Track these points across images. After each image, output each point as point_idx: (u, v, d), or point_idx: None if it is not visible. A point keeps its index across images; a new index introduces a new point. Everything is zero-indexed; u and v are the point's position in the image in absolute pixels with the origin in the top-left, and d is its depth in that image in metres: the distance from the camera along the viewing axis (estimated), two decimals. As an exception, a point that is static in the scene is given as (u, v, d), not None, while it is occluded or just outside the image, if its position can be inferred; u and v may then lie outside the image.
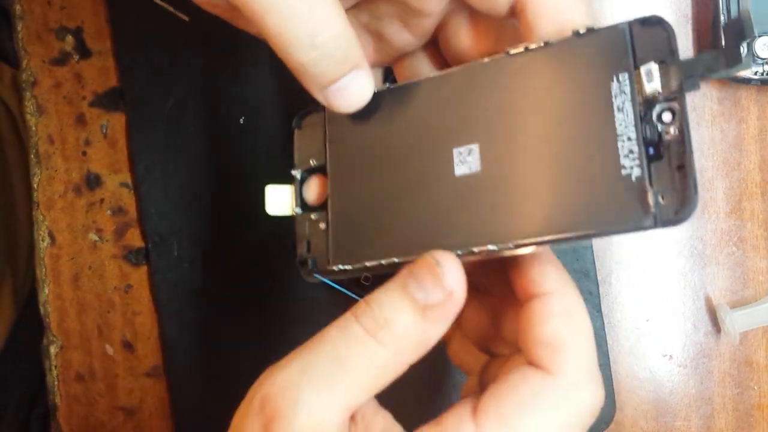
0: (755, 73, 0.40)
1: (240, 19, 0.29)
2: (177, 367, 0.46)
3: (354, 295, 0.43)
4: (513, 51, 0.27)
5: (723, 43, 0.25)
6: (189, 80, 0.44)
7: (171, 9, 0.44)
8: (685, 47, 0.43)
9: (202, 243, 0.45)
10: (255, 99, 0.44)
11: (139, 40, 0.45)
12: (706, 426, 0.44)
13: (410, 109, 0.30)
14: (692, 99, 0.43)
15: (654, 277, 0.44)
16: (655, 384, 0.44)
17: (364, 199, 0.31)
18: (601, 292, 0.43)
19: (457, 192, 0.28)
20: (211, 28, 0.44)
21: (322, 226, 0.31)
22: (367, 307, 0.26)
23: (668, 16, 0.43)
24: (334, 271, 0.31)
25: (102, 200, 0.46)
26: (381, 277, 0.44)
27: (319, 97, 0.28)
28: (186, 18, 0.44)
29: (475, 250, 0.27)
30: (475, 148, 0.28)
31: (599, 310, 0.43)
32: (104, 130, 0.46)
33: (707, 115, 0.43)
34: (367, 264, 0.30)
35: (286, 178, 0.32)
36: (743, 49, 0.40)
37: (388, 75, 0.38)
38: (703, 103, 0.43)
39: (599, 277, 0.43)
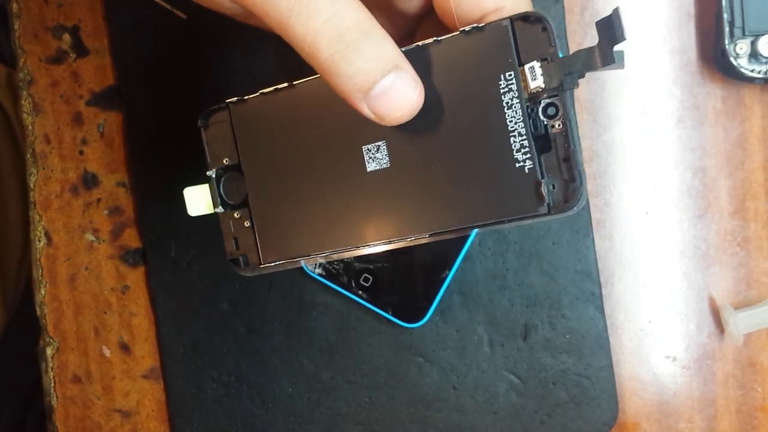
0: (759, 72, 0.40)
1: (253, 18, 0.28)
2: (174, 368, 0.45)
3: (354, 296, 0.43)
4: (405, 49, 0.28)
5: (600, 40, 0.26)
6: (186, 79, 0.44)
7: (168, 7, 0.44)
8: (688, 45, 0.42)
9: (200, 243, 0.44)
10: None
11: (137, 38, 0.44)
12: (709, 428, 0.43)
13: (318, 106, 0.30)
14: (695, 98, 0.42)
15: (657, 278, 0.43)
16: (658, 386, 0.43)
17: (283, 195, 0.32)
18: (603, 293, 0.43)
19: (371, 187, 0.30)
20: (208, 27, 0.43)
21: (247, 224, 0.33)
22: None
23: (671, 14, 0.42)
24: (265, 267, 0.32)
25: (99, 200, 0.46)
26: (381, 277, 0.44)
27: (363, 108, 0.26)
28: (183, 16, 0.44)
29: (393, 241, 0.30)
30: (382, 145, 0.29)
31: (602, 312, 0.42)
32: (101, 129, 0.45)
33: (710, 113, 0.43)
34: (297, 258, 0.32)
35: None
36: (746, 47, 0.40)
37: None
38: (707, 102, 0.42)
39: (602, 279, 0.43)
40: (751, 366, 0.43)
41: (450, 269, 0.42)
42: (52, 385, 0.46)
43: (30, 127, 0.46)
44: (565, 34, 0.42)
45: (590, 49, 0.26)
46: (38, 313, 0.46)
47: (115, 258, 0.46)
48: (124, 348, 0.46)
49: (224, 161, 0.33)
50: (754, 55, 0.40)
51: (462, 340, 0.43)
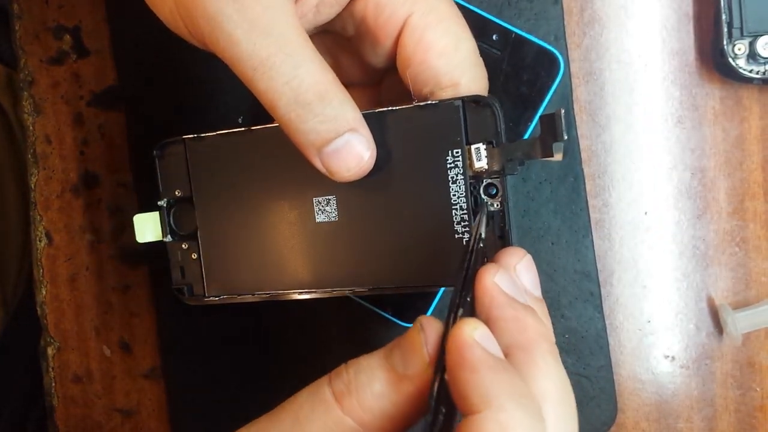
0: (757, 73, 0.40)
1: None
2: (175, 368, 0.45)
3: (354, 297, 0.43)
4: (363, 112, 0.29)
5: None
6: (187, 79, 0.44)
7: (169, 8, 0.44)
8: (687, 46, 0.43)
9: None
10: (253, 98, 0.44)
11: (137, 38, 0.44)
12: (708, 428, 0.43)
13: (275, 153, 0.32)
14: (694, 98, 0.43)
15: (656, 278, 0.43)
16: (657, 385, 0.44)
17: (232, 233, 0.33)
18: (602, 293, 0.43)
19: (318, 237, 0.31)
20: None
21: (194, 256, 0.34)
22: (343, 370, 0.25)
23: (670, 15, 0.42)
24: (209, 300, 0.34)
25: (100, 200, 0.46)
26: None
27: (316, 162, 0.28)
28: (184, 17, 0.44)
29: (334, 291, 0.31)
30: (332, 199, 0.31)
31: (601, 312, 0.42)
32: (102, 130, 0.45)
33: (709, 114, 0.43)
34: (240, 296, 0.33)
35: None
36: (744, 47, 0.40)
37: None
38: (705, 102, 0.43)
39: (600, 278, 0.43)
40: (749, 366, 0.43)
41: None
42: (53, 384, 0.46)
43: (31, 128, 0.46)
44: (564, 35, 0.42)
45: (532, 140, 0.28)
46: (39, 312, 0.46)
47: (116, 258, 0.46)
48: (125, 348, 0.46)
49: (176, 192, 0.34)
50: (752, 56, 0.40)
51: (461, 339, 0.43)
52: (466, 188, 0.29)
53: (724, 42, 0.40)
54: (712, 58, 0.42)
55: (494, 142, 0.29)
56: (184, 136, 0.33)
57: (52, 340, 0.46)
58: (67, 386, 0.46)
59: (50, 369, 0.46)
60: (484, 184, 0.29)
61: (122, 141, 0.45)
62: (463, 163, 0.29)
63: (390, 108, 0.30)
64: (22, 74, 0.46)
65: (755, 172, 0.43)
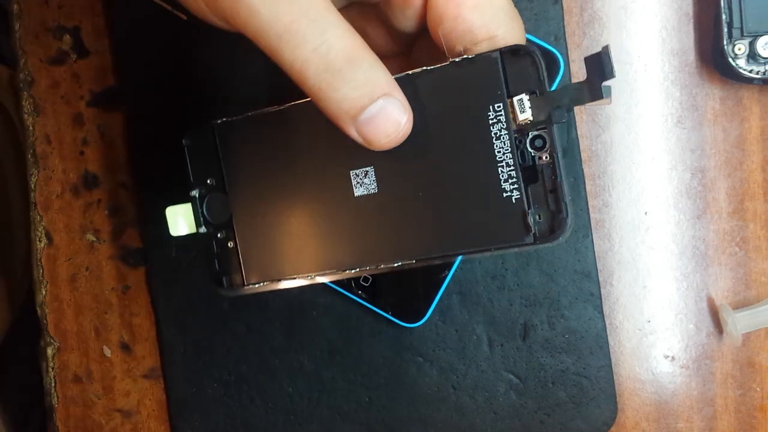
0: (757, 73, 0.40)
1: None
2: (174, 368, 0.45)
3: (354, 296, 0.43)
4: (396, 77, 0.28)
5: (590, 73, 0.27)
6: (187, 79, 0.44)
7: (169, 7, 0.44)
8: (687, 46, 0.43)
9: (200, 244, 0.45)
10: (253, 98, 0.44)
11: (137, 38, 0.44)
12: (708, 428, 0.43)
13: (307, 129, 0.31)
14: (694, 98, 0.43)
15: (656, 278, 0.43)
16: (657, 386, 0.44)
17: (268, 216, 0.32)
18: (602, 293, 0.43)
19: (358, 212, 0.30)
20: (208, 27, 0.44)
21: (231, 244, 0.33)
22: None
23: (670, 15, 0.42)
24: (249, 288, 0.33)
25: (99, 200, 0.46)
26: (381, 277, 0.44)
27: (352, 131, 0.27)
28: (184, 16, 0.44)
29: (381, 266, 0.30)
30: (370, 170, 0.30)
31: (601, 312, 0.42)
32: (102, 130, 0.45)
33: (709, 114, 0.43)
34: (281, 280, 0.32)
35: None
36: (744, 47, 0.40)
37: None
38: (705, 103, 0.43)
39: (600, 279, 0.43)
40: (749, 366, 0.43)
41: (449, 269, 0.42)
42: (53, 384, 0.46)
43: (30, 128, 0.46)
44: (564, 35, 0.42)
45: (579, 84, 0.26)
46: (39, 313, 0.46)
47: (116, 258, 0.46)
48: (125, 348, 0.46)
49: (208, 181, 0.33)
50: (752, 56, 0.40)
51: (461, 340, 0.43)
52: (511, 143, 0.27)
53: (724, 42, 0.40)
54: (712, 58, 0.42)
55: (537, 91, 0.27)
56: (213, 121, 0.32)
57: (52, 341, 0.46)
58: (67, 386, 0.46)
59: (50, 369, 0.46)
60: (530, 137, 0.28)
61: (122, 141, 0.45)
62: (506, 117, 0.27)
63: (424, 69, 0.28)
64: (22, 74, 0.46)
65: (755, 173, 0.43)
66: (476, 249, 0.28)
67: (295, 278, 0.32)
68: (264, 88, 0.44)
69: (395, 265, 0.30)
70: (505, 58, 0.27)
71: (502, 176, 0.28)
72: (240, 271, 0.33)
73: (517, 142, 0.28)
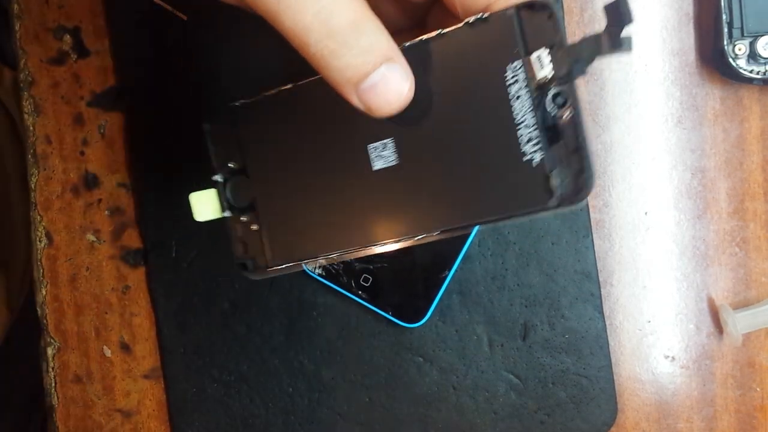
0: (758, 73, 0.40)
1: (247, 5, 0.28)
2: (174, 368, 0.45)
3: (354, 297, 0.43)
4: (408, 43, 0.28)
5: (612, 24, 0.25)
6: (187, 79, 0.44)
7: (169, 8, 0.44)
8: (687, 46, 0.42)
9: (200, 244, 0.45)
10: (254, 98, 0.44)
11: (137, 39, 0.44)
12: (708, 428, 0.43)
13: (322, 106, 0.30)
14: (694, 98, 0.43)
15: (656, 278, 0.43)
16: (657, 386, 0.44)
17: (290, 197, 0.31)
18: (602, 293, 0.43)
19: (378, 185, 0.29)
20: (208, 27, 0.44)
21: (255, 227, 0.32)
22: None
23: (670, 15, 0.42)
24: (272, 269, 0.32)
25: (100, 200, 0.46)
26: (381, 277, 0.44)
27: (353, 99, 0.26)
28: (184, 17, 0.44)
29: (402, 239, 0.29)
30: (389, 142, 0.29)
31: (601, 312, 0.42)
32: (102, 130, 0.45)
33: (709, 114, 0.43)
34: (305, 260, 0.31)
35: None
36: (744, 48, 0.40)
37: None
38: (705, 103, 0.43)
39: (601, 279, 0.43)
40: (749, 366, 0.43)
41: (449, 269, 0.42)
42: (53, 385, 0.46)
43: (31, 128, 0.46)
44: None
45: (598, 35, 0.25)
46: (39, 313, 0.46)
47: (116, 258, 0.46)
48: (125, 348, 0.46)
49: (230, 165, 0.32)
50: (752, 56, 0.40)
51: (461, 340, 0.43)
52: (531, 102, 0.26)
53: (725, 42, 0.40)
54: (712, 59, 0.42)
55: (555, 45, 0.26)
56: (231, 104, 0.32)
57: (52, 341, 0.46)
58: (67, 386, 0.46)
59: (50, 369, 0.46)
60: (551, 94, 0.26)
61: (122, 141, 0.45)
62: (525, 76, 0.26)
63: (438, 32, 0.28)
64: (22, 74, 0.46)
65: (755, 172, 0.43)
66: (499, 216, 0.28)
67: (318, 257, 0.31)
68: (265, 87, 0.44)
69: (418, 237, 0.29)
70: (521, 14, 0.27)
71: (523, 138, 0.27)
72: (264, 253, 0.32)
73: (536, 102, 0.26)
